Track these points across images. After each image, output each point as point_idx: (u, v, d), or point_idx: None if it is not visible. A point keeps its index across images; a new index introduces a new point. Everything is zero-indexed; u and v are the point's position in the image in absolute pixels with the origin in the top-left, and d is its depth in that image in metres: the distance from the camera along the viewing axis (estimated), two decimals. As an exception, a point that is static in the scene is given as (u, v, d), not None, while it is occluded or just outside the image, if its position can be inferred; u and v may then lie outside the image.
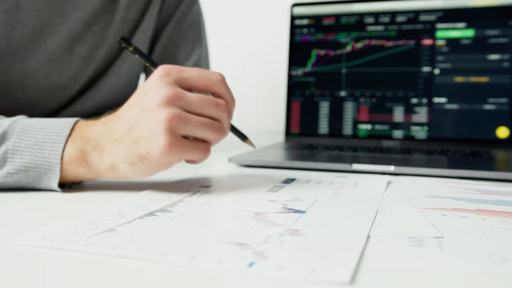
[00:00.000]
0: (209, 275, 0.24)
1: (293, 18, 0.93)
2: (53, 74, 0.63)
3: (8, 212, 0.37)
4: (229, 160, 0.61)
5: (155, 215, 0.35)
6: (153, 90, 0.39)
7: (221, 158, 0.65)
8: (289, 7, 0.94)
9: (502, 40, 0.80)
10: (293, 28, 0.93)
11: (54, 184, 0.41)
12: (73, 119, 0.43)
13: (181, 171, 0.54)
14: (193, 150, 0.40)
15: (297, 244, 0.28)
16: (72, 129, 0.42)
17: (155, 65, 0.46)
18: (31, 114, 0.65)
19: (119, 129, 0.40)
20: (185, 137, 0.41)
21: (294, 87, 0.91)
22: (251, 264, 0.25)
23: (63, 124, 0.42)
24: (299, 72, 0.91)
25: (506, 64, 0.79)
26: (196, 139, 0.42)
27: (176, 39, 0.75)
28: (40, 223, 0.33)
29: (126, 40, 0.46)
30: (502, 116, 0.79)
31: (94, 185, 0.46)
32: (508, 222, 0.34)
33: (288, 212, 0.36)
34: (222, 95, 0.42)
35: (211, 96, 0.42)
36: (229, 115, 0.43)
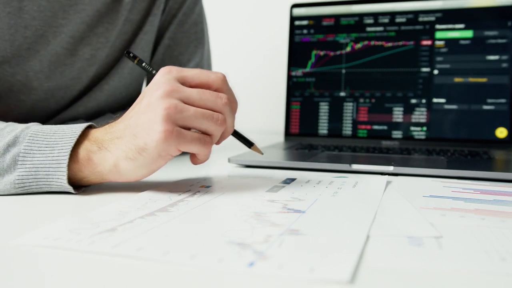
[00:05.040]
0: (209, 274, 0.24)
1: (292, 19, 0.93)
2: (55, 75, 0.64)
3: (10, 211, 0.37)
4: (229, 160, 0.62)
5: (155, 215, 0.35)
6: (154, 87, 0.41)
7: (221, 158, 0.65)
8: (289, 8, 0.94)
9: (501, 40, 0.80)
10: (293, 28, 0.93)
11: (64, 181, 0.41)
12: (84, 124, 0.44)
13: (182, 171, 0.55)
14: (191, 141, 0.40)
15: (297, 244, 0.28)
16: (82, 132, 0.43)
17: None
18: (33, 115, 0.65)
19: (121, 128, 0.42)
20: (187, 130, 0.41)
21: (293, 88, 0.92)
22: (251, 263, 0.25)
23: (74, 128, 0.43)
24: (298, 72, 0.92)
25: (504, 65, 0.80)
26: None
27: (178, 40, 0.75)
28: (42, 222, 0.33)
29: (130, 53, 0.50)
30: (500, 117, 0.79)
31: (96, 186, 0.46)
32: (507, 222, 0.34)
33: (288, 212, 0.36)
34: (223, 92, 0.43)
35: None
36: (232, 110, 0.44)
